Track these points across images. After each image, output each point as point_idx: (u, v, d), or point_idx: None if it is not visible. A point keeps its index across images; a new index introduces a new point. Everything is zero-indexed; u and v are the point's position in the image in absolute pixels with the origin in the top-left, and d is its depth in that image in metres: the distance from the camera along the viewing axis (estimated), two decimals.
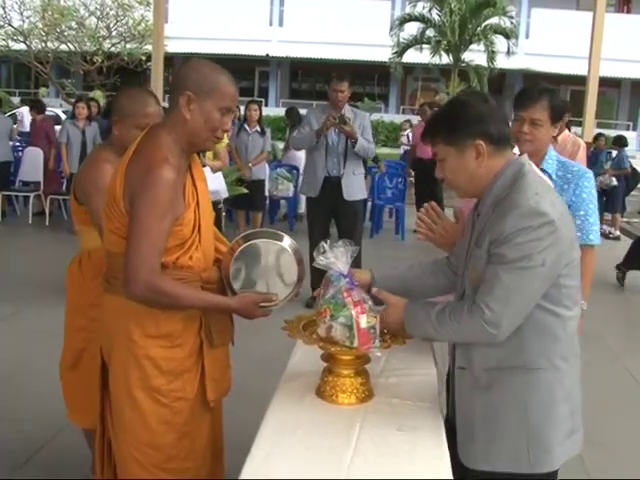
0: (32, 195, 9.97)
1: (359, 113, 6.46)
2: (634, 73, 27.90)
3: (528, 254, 1.89)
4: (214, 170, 6.45)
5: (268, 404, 2.17)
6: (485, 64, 23.79)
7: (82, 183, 2.86)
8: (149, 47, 18.81)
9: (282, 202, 10.73)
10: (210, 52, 24.24)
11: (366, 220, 10.93)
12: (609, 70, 19.16)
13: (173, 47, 20.00)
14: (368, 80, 32.42)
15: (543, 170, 2.89)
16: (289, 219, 10.19)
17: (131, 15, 22.26)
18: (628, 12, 30.90)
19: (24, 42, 22.38)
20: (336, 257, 2.12)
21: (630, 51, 26.58)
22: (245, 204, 8.62)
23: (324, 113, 6.19)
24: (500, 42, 23.74)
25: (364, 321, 2.08)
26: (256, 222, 8.79)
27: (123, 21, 22.28)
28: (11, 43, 22.53)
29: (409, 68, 27.59)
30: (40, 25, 22.14)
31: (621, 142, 12.31)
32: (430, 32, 24.38)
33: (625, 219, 12.34)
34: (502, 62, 24.08)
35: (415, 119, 13.55)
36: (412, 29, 24.82)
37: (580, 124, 8.68)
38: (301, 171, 10.26)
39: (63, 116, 17.27)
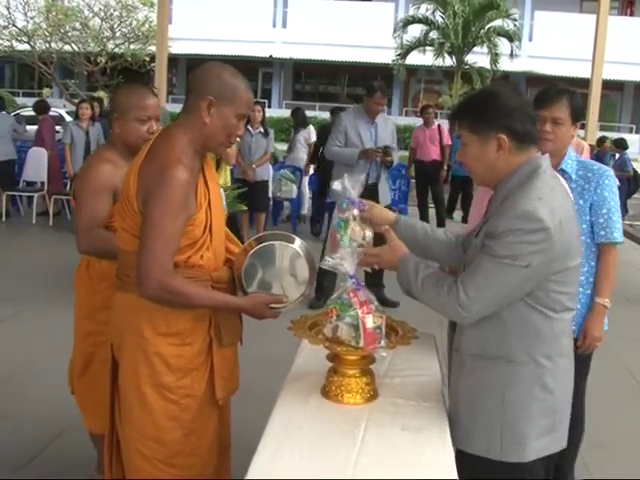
0: (36, 195, 9.99)
1: (389, 119, 6.60)
2: (637, 76, 27.89)
3: (516, 254, 1.94)
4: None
5: (274, 404, 2.18)
6: (488, 66, 23.81)
7: (77, 182, 2.91)
8: (153, 48, 18.81)
9: (285, 203, 10.73)
10: (213, 53, 24.26)
11: None
12: (612, 73, 19.16)
13: (177, 48, 20.03)
14: (371, 82, 32.43)
15: (563, 171, 2.90)
16: (292, 220, 10.20)
17: (135, 16, 22.24)
18: (631, 15, 30.89)
19: (28, 43, 22.39)
20: (342, 257, 2.14)
21: (633, 54, 26.57)
22: (248, 205, 8.63)
23: (358, 118, 6.27)
24: (503, 45, 23.75)
25: (370, 321, 2.09)
26: (259, 223, 8.80)
27: (127, 22, 22.26)
28: (15, 44, 22.54)
29: (412, 70, 27.61)
30: (44, 26, 22.13)
31: (622, 145, 12.32)
32: (433, 34, 24.39)
33: (627, 222, 12.34)
34: (505, 65, 24.10)
35: (419, 121, 13.59)
36: (415, 31, 24.83)
37: (583, 127, 8.69)
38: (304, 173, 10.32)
39: (67, 117, 17.31)
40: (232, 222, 8.69)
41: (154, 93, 2.92)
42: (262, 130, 8.75)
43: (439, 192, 10.84)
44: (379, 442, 1.97)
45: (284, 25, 31.19)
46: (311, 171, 10.36)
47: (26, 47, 22.58)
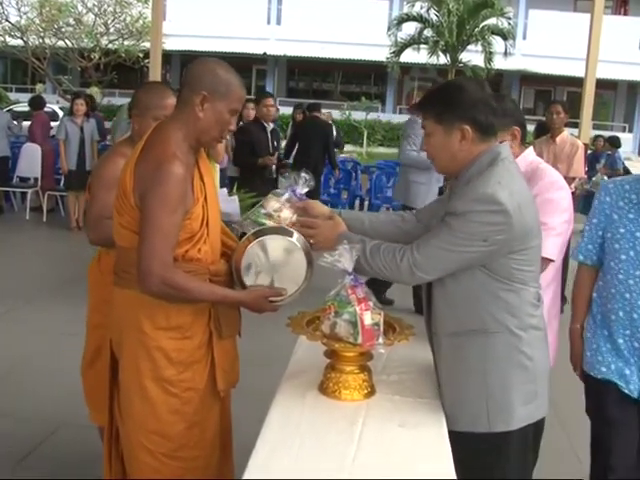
0: (30, 191, 9.96)
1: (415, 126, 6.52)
2: (630, 75, 27.99)
3: (474, 231, 2.03)
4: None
5: (271, 401, 2.19)
6: (482, 65, 23.81)
7: (93, 175, 2.93)
8: (147, 44, 18.78)
9: None
10: (208, 50, 24.21)
11: None
12: (606, 72, 19.20)
13: (171, 45, 19.97)
14: (365, 79, 32.46)
15: None
16: None
17: (129, 12, 22.21)
18: (625, 14, 30.98)
19: (21, 38, 22.33)
20: (340, 255, 2.14)
21: (626, 53, 26.66)
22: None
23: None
24: (497, 43, 23.77)
25: (368, 318, 2.10)
26: None
27: (121, 18, 22.24)
28: (8, 39, 22.48)
29: (406, 68, 27.62)
30: (37, 21, 22.08)
31: (614, 143, 12.36)
32: (428, 32, 24.39)
33: None
34: (499, 63, 24.13)
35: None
36: (410, 29, 24.84)
37: (577, 125, 8.71)
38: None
39: (60, 112, 17.25)
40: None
41: (174, 92, 2.93)
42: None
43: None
44: (377, 438, 1.98)
45: (278, 22, 31.16)
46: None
47: (19, 42, 22.53)
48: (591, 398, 2.69)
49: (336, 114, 26.20)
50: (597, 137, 12.66)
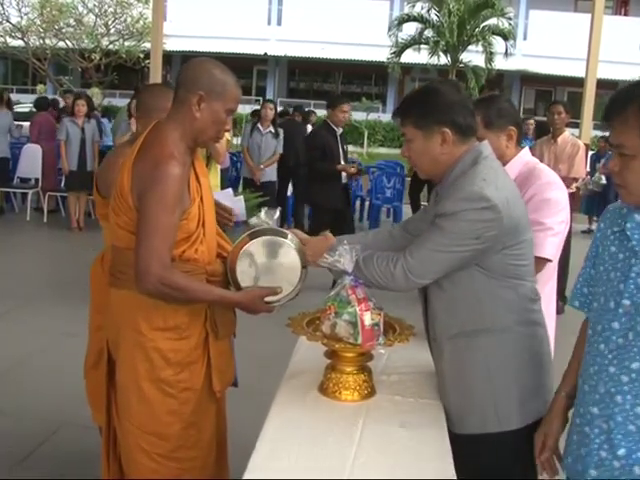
0: (30, 192, 9.95)
1: None
2: (631, 75, 27.89)
3: (465, 230, 2.02)
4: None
5: (272, 401, 2.18)
6: (483, 65, 23.79)
7: (106, 178, 2.90)
8: (147, 45, 18.81)
9: None
10: (208, 50, 24.22)
11: (364, 220, 10.98)
12: (606, 72, 19.20)
13: (171, 45, 20.00)
14: (366, 80, 32.46)
15: None
16: (287, 220, 10.18)
17: (129, 13, 22.24)
18: (625, 14, 30.96)
19: (22, 39, 22.35)
20: (340, 255, 2.14)
21: (627, 53, 26.64)
22: (257, 206, 8.58)
23: None
24: (498, 43, 23.74)
25: (368, 318, 2.10)
26: None
27: (121, 18, 22.26)
28: (9, 40, 22.50)
29: (407, 68, 27.60)
30: (38, 22, 22.10)
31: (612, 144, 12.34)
32: (428, 32, 24.36)
33: None
34: (500, 63, 24.10)
35: None
36: (410, 29, 24.82)
37: (577, 126, 8.71)
38: None
39: None
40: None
41: None
42: (272, 130, 8.67)
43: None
44: (377, 439, 1.97)
45: (279, 23, 31.16)
46: None
47: (20, 43, 22.54)
48: None
49: None
50: (601, 137, 12.63)
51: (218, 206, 2.62)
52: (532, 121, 10.13)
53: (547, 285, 2.75)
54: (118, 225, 2.30)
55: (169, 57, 25.22)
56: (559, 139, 6.59)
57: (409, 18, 24.60)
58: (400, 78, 28.50)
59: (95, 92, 19.04)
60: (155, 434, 2.32)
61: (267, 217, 2.40)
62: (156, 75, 8.91)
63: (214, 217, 2.45)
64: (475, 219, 2.02)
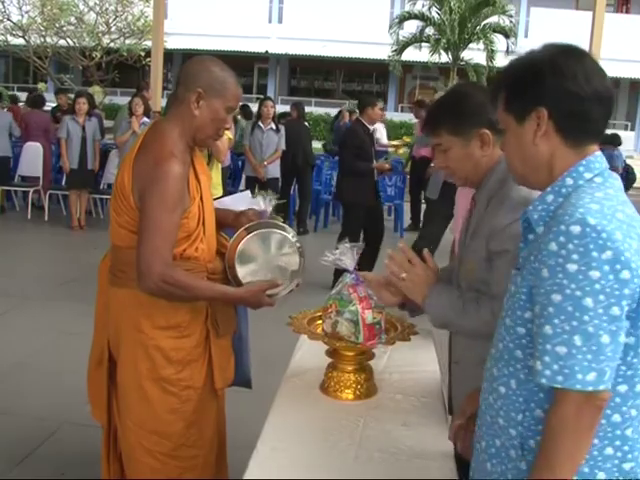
0: (31, 190, 9.94)
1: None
2: (632, 73, 27.92)
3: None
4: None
5: (273, 400, 2.18)
6: (484, 63, 23.79)
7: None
8: (148, 43, 18.77)
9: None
10: (209, 48, 24.19)
11: None
12: (607, 70, 18.92)
13: (172, 43, 19.97)
14: (367, 78, 32.42)
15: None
16: (289, 217, 10.17)
17: (130, 11, 22.19)
18: (627, 12, 30.92)
19: (23, 37, 22.32)
20: (342, 254, 2.14)
21: (629, 51, 26.59)
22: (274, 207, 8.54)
23: None
24: (499, 41, 23.74)
25: (369, 317, 2.10)
26: None
27: (122, 17, 22.21)
28: (10, 38, 22.47)
29: (408, 66, 27.58)
30: (39, 20, 22.06)
31: (614, 141, 12.32)
32: (429, 30, 24.35)
33: None
34: (501, 61, 24.00)
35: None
36: (411, 27, 24.80)
37: None
38: None
39: None
40: None
41: None
42: (273, 127, 8.67)
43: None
44: (378, 438, 1.97)
45: (280, 20, 31.13)
46: None
47: (21, 41, 22.52)
48: None
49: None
50: (614, 136, 12.61)
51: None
52: None
53: None
54: (119, 224, 2.30)
55: (170, 55, 25.19)
56: None
57: (410, 16, 24.59)
58: (401, 76, 28.43)
59: (96, 90, 19.01)
60: (156, 433, 2.32)
61: (264, 203, 2.45)
62: (157, 73, 8.88)
63: (214, 215, 2.45)
64: None
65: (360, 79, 32.72)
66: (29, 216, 9.79)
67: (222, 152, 6.40)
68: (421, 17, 24.24)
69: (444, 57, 24.34)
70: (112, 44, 22.41)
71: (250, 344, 2.82)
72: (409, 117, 22.24)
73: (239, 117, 11.08)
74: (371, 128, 7.06)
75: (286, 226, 2.45)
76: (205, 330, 2.38)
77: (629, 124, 30.39)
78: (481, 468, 1.60)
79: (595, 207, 1.37)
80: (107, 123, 11.92)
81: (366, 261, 6.23)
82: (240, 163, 10.35)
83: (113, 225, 2.34)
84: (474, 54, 24.08)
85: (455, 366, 2.18)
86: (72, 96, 10.49)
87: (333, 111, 27.19)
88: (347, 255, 2.14)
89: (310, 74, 33.20)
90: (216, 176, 6.84)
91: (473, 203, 2.16)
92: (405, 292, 2.06)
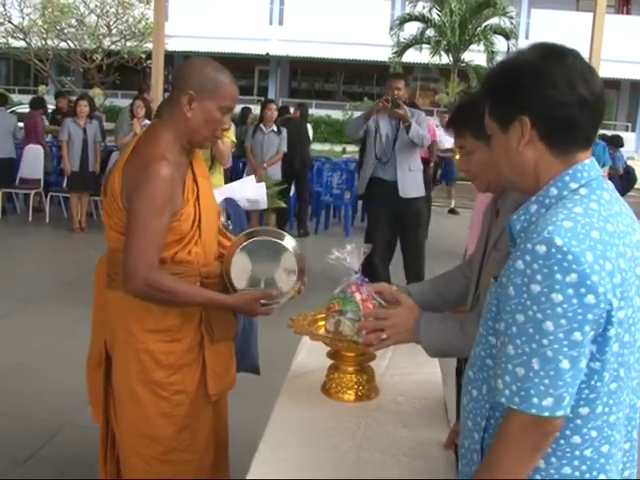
0: (32, 192, 9.95)
1: (415, 111, 6.28)
2: (633, 74, 27.92)
3: None
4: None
5: (274, 401, 2.18)
6: (485, 64, 23.76)
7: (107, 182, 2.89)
8: (149, 45, 18.79)
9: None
10: (210, 50, 24.22)
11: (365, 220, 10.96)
12: (608, 71, 19.18)
13: (173, 45, 19.97)
14: (367, 80, 32.43)
15: None
16: (289, 219, 10.17)
17: (131, 13, 22.20)
18: (628, 13, 30.91)
19: (24, 39, 22.33)
20: (348, 254, 2.13)
21: (629, 52, 26.59)
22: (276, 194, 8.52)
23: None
24: (500, 42, 23.74)
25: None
26: (269, 223, 8.73)
27: (123, 19, 22.22)
28: (11, 40, 22.47)
29: (409, 68, 27.55)
30: (40, 22, 22.07)
31: (616, 142, 12.31)
32: (430, 32, 24.37)
33: None
34: None
35: None
36: (412, 29, 24.82)
37: None
38: None
39: None
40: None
41: None
42: (275, 129, 8.68)
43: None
44: (380, 439, 1.97)
45: (280, 22, 31.14)
46: None
47: (22, 44, 22.53)
48: None
49: (338, 114, 26.25)
50: (616, 137, 12.60)
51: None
52: None
53: None
54: (110, 226, 2.29)
55: (171, 57, 25.18)
56: None
57: (411, 18, 24.61)
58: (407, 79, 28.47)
59: (97, 93, 19.04)
60: (148, 436, 2.31)
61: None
62: (158, 76, 8.84)
63: (215, 218, 2.43)
64: None
65: (361, 81, 32.74)
66: (30, 218, 9.80)
67: (225, 155, 6.40)
68: (422, 19, 24.26)
69: (445, 59, 24.36)
70: (113, 46, 22.43)
71: None
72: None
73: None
74: None
75: (286, 234, 2.43)
76: (199, 335, 2.35)
77: (630, 125, 30.38)
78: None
79: (568, 225, 1.31)
80: (107, 125, 11.94)
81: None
82: (241, 165, 10.35)
83: (106, 227, 2.33)
84: (475, 55, 24.08)
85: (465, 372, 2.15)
86: (73, 98, 10.51)
87: (334, 113, 27.29)
88: (353, 255, 2.14)
89: (311, 76, 33.23)
90: (219, 179, 6.83)
91: (494, 210, 2.09)
92: (398, 342, 2.02)
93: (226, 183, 7.33)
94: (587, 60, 1.52)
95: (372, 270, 4.82)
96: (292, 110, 11.41)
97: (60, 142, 9.31)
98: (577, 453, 1.39)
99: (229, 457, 2.65)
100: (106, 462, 2.53)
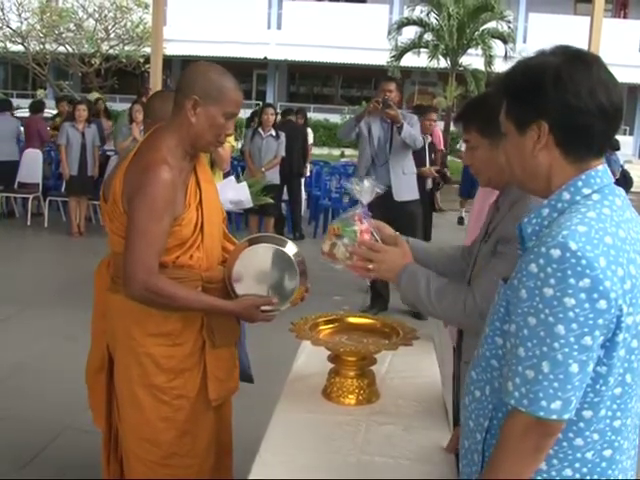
0: (31, 197, 9.94)
1: (407, 114, 6.34)
2: (630, 78, 27.96)
3: None
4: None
5: (275, 405, 2.18)
6: (483, 68, 23.81)
7: (110, 186, 2.88)
8: (147, 49, 18.81)
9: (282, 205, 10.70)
10: (208, 55, 24.22)
11: None
12: None
13: (171, 49, 19.99)
14: (365, 84, 32.44)
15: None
16: (287, 223, 10.18)
17: (129, 17, 22.19)
18: (625, 17, 30.97)
19: (22, 44, 22.32)
20: (362, 189, 2.15)
21: (626, 56, 26.65)
22: (258, 209, 8.54)
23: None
24: (498, 46, 23.77)
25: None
26: (268, 227, 8.73)
27: (121, 23, 22.21)
28: (9, 45, 22.46)
29: (406, 72, 27.62)
30: (38, 27, 22.06)
31: (613, 145, 12.34)
32: (428, 36, 24.36)
33: None
34: (499, 66, 24.03)
35: None
36: (410, 33, 24.82)
37: None
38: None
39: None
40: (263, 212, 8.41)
41: None
42: (273, 133, 8.69)
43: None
44: (381, 442, 1.98)
45: (279, 27, 31.17)
46: (307, 173, 10.33)
47: (20, 48, 22.52)
48: None
49: (337, 118, 26.27)
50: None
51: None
52: None
53: None
54: (112, 230, 2.30)
55: (169, 61, 25.22)
56: None
57: (409, 22, 24.61)
58: (400, 82, 28.52)
59: (95, 97, 19.01)
60: (148, 440, 2.31)
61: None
62: (156, 80, 8.85)
63: (218, 223, 2.43)
64: None
65: (359, 85, 32.78)
66: (29, 222, 9.79)
67: (225, 160, 6.41)
68: (420, 23, 24.26)
69: (443, 62, 24.36)
70: (111, 50, 22.43)
71: (252, 349, 2.81)
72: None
73: None
74: (427, 138, 7.41)
75: (288, 241, 2.44)
76: (200, 339, 2.35)
77: (627, 129, 30.43)
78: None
79: (582, 229, 1.32)
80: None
81: None
82: (240, 169, 10.37)
83: (108, 231, 2.34)
84: (472, 59, 24.11)
85: (465, 366, 2.16)
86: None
87: (332, 117, 27.30)
88: (366, 191, 2.14)
89: (309, 80, 33.25)
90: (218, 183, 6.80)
91: (495, 208, 2.15)
92: (380, 277, 2.13)
93: None
94: None
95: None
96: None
97: (59, 146, 9.31)
98: (579, 455, 1.40)
99: (232, 463, 2.65)
100: (109, 463, 2.53)
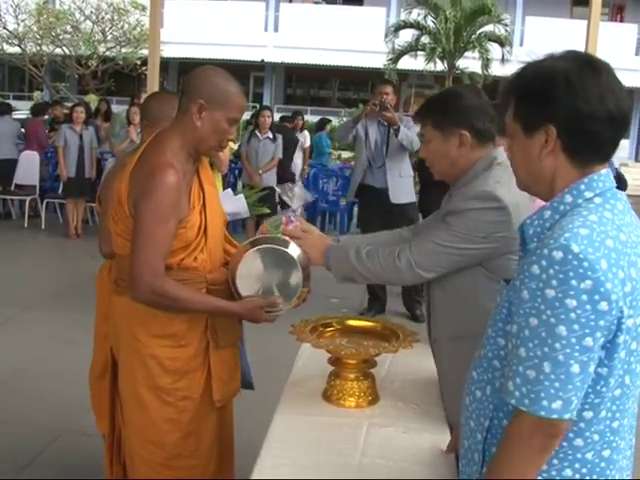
0: (28, 199, 9.93)
1: (404, 117, 6.33)
2: (627, 81, 27.64)
3: (473, 228, 2.05)
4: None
5: (275, 408, 2.19)
6: (479, 71, 23.84)
7: (104, 188, 2.89)
8: (144, 51, 18.78)
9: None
10: (205, 57, 24.21)
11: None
12: None
13: (168, 52, 19.98)
14: (362, 86, 32.46)
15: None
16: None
17: (126, 19, 22.19)
18: (621, 21, 31.05)
19: (19, 45, 22.30)
20: (293, 195, 2.26)
21: (623, 59, 26.64)
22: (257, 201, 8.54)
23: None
24: (494, 49, 23.80)
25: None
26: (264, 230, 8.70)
27: (118, 25, 22.21)
28: (6, 46, 22.44)
29: (404, 75, 27.65)
30: (35, 29, 22.04)
31: None
32: (425, 39, 24.40)
33: None
34: (496, 69, 24.09)
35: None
36: (407, 36, 24.86)
37: None
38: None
39: None
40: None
41: None
42: (270, 136, 8.70)
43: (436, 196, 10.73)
44: (381, 445, 1.99)
45: (276, 29, 31.19)
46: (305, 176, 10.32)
47: (17, 50, 22.50)
48: None
49: (334, 121, 26.29)
50: None
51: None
52: None
53: None
54: (116, 233, 2.31)
55: (166, 64, 25.22)
56: None
57: (405, 25, 24.65)
58: (397, 84, 28.54)
59: (92, 99, 18.98)
60: (152, 442, 2.32)
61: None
62: (153, 82, 8.84)
63: (220, 225, 2.44)
64: (483, 219, 2.05)
65: (356, 87, 32.80)
66: (26, 224, 9.78)
67: (224, 163, 6.43)
68: (417, 26, 24.29)
69: (439, 65, 24.40)
70: (108, 53, 22.43)
71: (251, 351, 2.82)
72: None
73: None
74: None
75: (291, 242, 2.44)
76: (205, 341, 2.36)
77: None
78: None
79: (584, 232, 1.34)
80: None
81: None
82: (237, 171, 10.37)
83: (112, 234, 2.35)
84: (469, 62, 24.14)
85: (434, 344, 2.29)
86: (68, 105, 10.53)
87: (329, 119, 27.31)
88: (297, 196, 2.27)
89: (306, 82, 33.27)
90: (217, 186, 6.81)
91: (447, 195, 2.30)
92: (308, 251, 2.33)
93: (224, 189, 7.37)
94: None
95: None
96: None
97: (56, 148, 9.31)
98: (579, 456, 1.42)
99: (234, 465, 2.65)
100: (112, 465, 2.54)
